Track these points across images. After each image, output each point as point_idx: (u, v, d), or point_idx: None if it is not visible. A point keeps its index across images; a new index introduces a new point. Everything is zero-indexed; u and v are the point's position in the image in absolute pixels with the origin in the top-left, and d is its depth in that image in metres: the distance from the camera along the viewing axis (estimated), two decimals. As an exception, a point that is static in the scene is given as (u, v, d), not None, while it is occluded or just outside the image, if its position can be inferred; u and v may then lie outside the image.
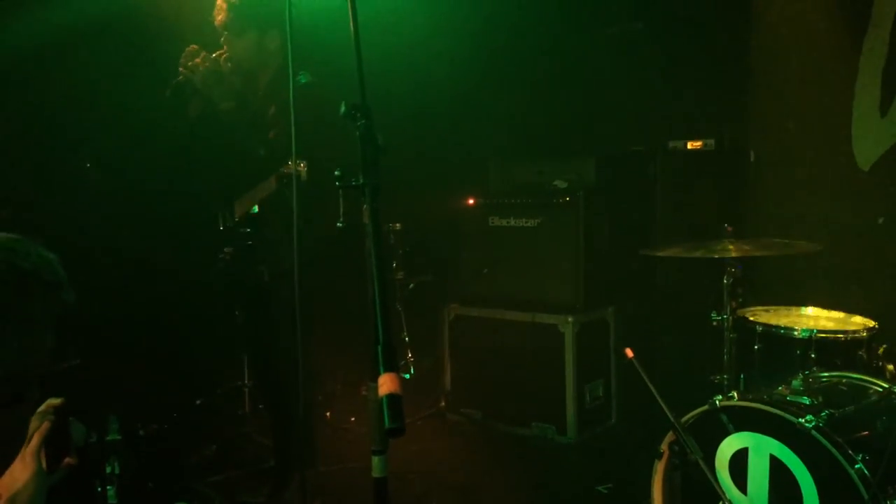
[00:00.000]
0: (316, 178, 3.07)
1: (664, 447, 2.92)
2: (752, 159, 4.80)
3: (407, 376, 4.98)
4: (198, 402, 4.86)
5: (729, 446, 2.76)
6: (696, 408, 2.85)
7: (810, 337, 3.05)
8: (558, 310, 4.55)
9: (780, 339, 3.15)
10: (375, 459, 1.55)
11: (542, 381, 4.56)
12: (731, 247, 3.23)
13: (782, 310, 3.51)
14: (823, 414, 2.55)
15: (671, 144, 4.84)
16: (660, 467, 2.95)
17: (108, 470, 3.12)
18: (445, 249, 5.26)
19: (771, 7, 4.69)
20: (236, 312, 4.17)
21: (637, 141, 5.09)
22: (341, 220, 1.70)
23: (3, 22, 3.69)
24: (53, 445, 1.67)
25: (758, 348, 3.22)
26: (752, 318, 3.30)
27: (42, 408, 1.68)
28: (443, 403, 4.99)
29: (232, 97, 3.52)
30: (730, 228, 3.34)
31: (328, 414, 4.77)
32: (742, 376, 3.19)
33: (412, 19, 4.66)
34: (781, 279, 4.37)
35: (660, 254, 3.70)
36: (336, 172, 1.60)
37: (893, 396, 2.77)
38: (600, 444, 4.56)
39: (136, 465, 3.38)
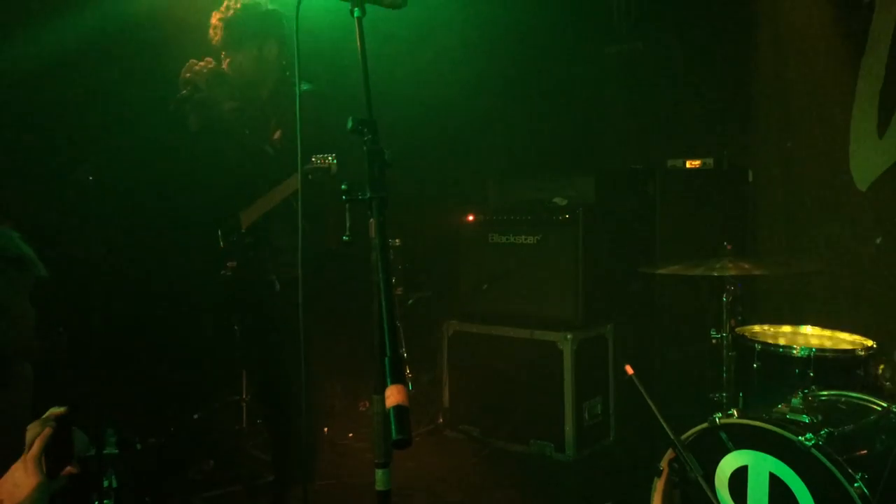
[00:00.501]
0: (344, 173, 3.06)
1: (663, 465, 2.92)
2: (750, 178, 4.84)
3: (405, 392, 4.96)
4: (195, 416, 4.84)
5: (728, 464, 2.76)
6: (695, 425, 2.85)
7: (809, 355, 3.06)
8: (557, 326, 4.55)
9: (779, 357, 3.15)
10: (379, 472, 1.55)
11: (541, 398, 4.56)
12: (730, 265, 3.24)
13: (781, 328, 3.52)
14: (823, 432, 2.55)
15: (670, 163, 4.87)
16: (659, 485, 2.95)
17: (106, 483, 3.11)
18: (445, 265, 5.27)
19: (771, 28, 4.73)
20: (235, 327, 4.16)
21: (637, 159, 5.12)
22: (347, 233, 1.71)
23: (8, 37, 3.71)
24: (55, 453, 1.67)
25: (757, 366, 3.22)
26: (751, 337, 3.31)
27: (45, 416, 1.69)
28: (441, 420, 4.99)
29: (235, 98, 3.55)
30: (729, 247, 3.36)
31: (326, 429, 4.75)
32: (741, 394, 3.20)
33: (414, 36, 4.69)
34: (780, 297, 4.39)
35: (659, 271, 3.71)
36: (343, 186, 1.62)
37: (892, 415, 2.78)
38: (599, 461, 4.55)
39: (134, 479, 3.37)
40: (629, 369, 2.93)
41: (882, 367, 3.08)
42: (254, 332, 3.82)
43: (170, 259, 4.34)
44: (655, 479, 2.95)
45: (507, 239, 4.84)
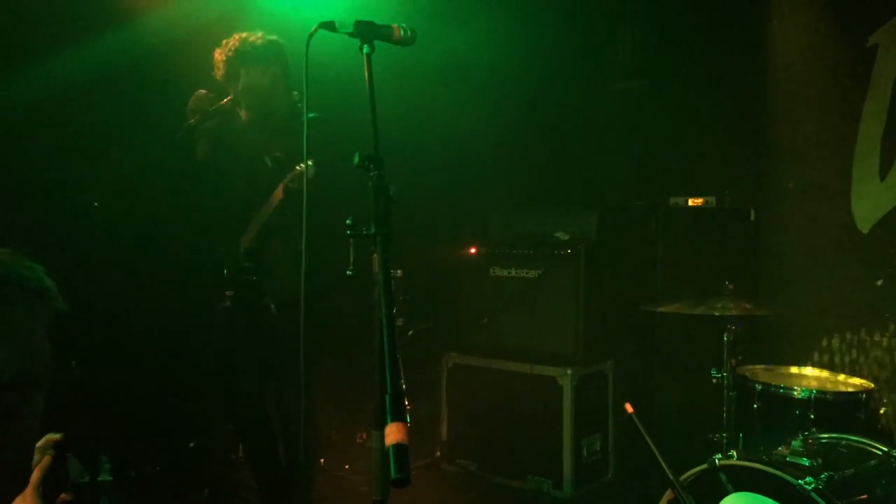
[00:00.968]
0: (324, 179, 3.04)
1: (662, 505, 2.90)
2: (752, 218, 4.85)
3: (403, 424, 4.93)
4: (191, 444, 4.82)
5: (728, 506, 2.74)
6: (694, 466, 2.84)
7: (810, 397, 3.05)
8: (557, 362, 4.54)
9: (779, 398, 3.15)
10: (376, 509, 1.54)
11: (540, 434, 4.53)
12: (731, 304, 3.25)
13: (782, 369, 3.52)
14: (823, 476, 2.54)
15: (673, 200, 4.89)
16: (658, 525, 2.93)
17: (100, 511, 3.09)
18: (446, 297, 5.27)
19: (774, 69, 4.78)
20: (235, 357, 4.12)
21: (639, 196, 5.14)
22: (351, 268, 1.72)
23: (20, 66, 3.76)
24: (51, 480, 1.67)
25: (757, 407, 3.22)
26: (751, 377, 3.30)
27: (40, 443, 1.68)
28: (439, 453, 4.95)
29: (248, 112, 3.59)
30: (731, 286, 3.36)
31: (322, 461, 4.72)
32: (741, 435, 3.18)
33: (421, 72, 4.74)
34: (781, 338, 4.38)
35: (660, 309, 3.71)
36: (347, 221, 1.63)
37: (893, 460, 2.76)
38: (597, 500, 4.51)
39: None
40: (629, 407, 2.92)
41: (883, 409, 3.07)
42: (255, 359, 3.74)
43: (171, 284, 4.34)
44: (654, 519, 2.93)
45: (508, 272, 4.84)
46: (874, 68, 4.34)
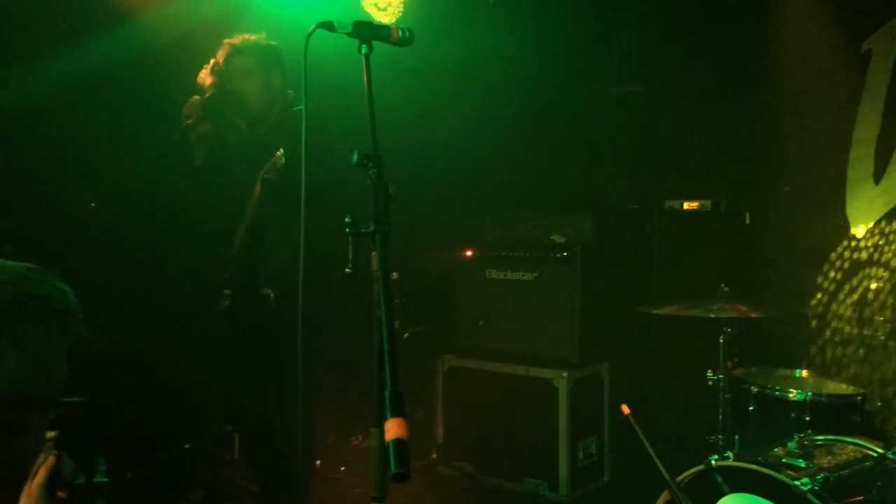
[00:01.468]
0: (294, 167, 3.05)
1: (658, 506, 2.90)
2: (747, 221, 4.86)
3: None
4: (186, 446, 4.80)
5: (724, 507, 2.75)
6: (691, 467, 2.84)
7: (805, 399, 3.06)
8: (553, 364, 4.54)
9: (775, 400, 3.16)
10: (374, 507, 1.54)
11: (536, 436, 4.53)
12: (727, 307, 3.25)
13: (777, 371, 3.53)
14: (819, 477, 2.55)
15: (668, 204, 4.90)
16: (654, 527, 2.93)
17: (95, 513, 3.07)
18: (442, 300, 5.26)
19: (769, 74, 4.80)
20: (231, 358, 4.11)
21: (635, 199, 5.15)
22: (350, 266, 1.72)
23: (16, 66, 3.76)
24: (54, 480, 1.67)
25: (753, 409, 3.22)
26: (747, 379, 3.31)
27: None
28: (434, 455, 4.95)
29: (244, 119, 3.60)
30: (726, 288, 3.37)
31: (318, 462, 4.71)
32: (737, 436, 3.19)
33: (416, 73, 4.74)
34: (777, 341, 4.39)
35: (656, 312, 3.71)
36: (346, 219, 1.63)
37: (888, 461, 2.77)
38: (593, 502, 4.51)
39: (123, 509, 3.33)
40: (625, 409, 2.92)
41: (878, 411, 3.08)
42: (254, 357, 3.72)
43: (168, 284, 4.33)
44: (650, 520, 2.93)
45: (504, 275, 4.84)
46: (868, 73, 4.37)
